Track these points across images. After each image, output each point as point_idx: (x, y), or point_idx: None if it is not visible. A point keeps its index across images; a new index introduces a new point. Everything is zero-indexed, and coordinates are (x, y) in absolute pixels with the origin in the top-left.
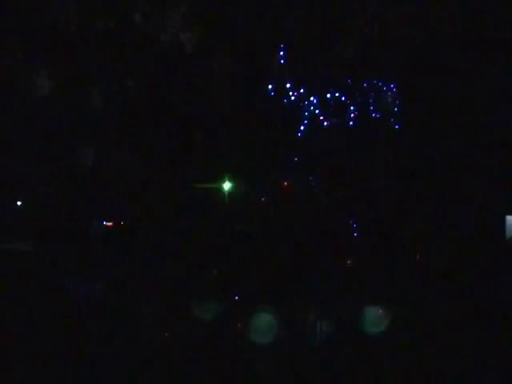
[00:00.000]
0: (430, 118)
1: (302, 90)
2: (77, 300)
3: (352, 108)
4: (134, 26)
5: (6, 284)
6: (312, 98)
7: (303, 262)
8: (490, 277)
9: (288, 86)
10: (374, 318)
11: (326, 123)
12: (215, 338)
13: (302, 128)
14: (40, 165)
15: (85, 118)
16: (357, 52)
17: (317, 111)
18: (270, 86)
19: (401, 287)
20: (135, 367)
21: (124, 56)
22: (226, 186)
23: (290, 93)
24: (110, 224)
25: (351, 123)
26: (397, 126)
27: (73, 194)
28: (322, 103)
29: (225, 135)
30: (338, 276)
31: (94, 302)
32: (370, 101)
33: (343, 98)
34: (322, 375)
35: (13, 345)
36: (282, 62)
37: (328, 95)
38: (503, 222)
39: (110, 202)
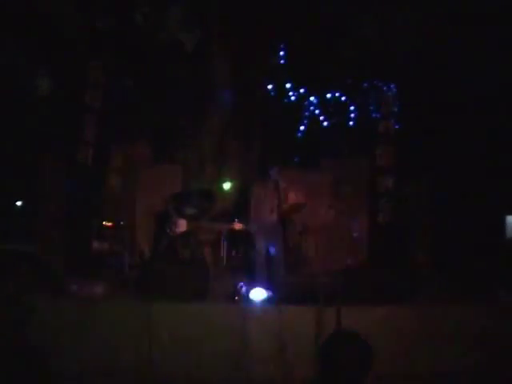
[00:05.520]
0: (430, 118)
1: (302, 90)
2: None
3: (352, 108)
4: (134, 26)
5: (6, 284)
6: (312, 98)
7: (303, 262)
8: (490, 277)
9: (288, 85)
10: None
11: (326, 123)
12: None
13: (301, 128)
14: (41, 164)
15: (84, 117)
16: (357, 52)
17: (317, 111)
18: (269, 86)
19: (400, 287)
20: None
21: (124, 56)
22: (226, 185)
23: (290, 93)
24: (109, 224)
25: (351, 123)
26: (397, 126)
27: (73, 195)
28: (322, 103)
29: (224, 135)
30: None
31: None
32: (370, 101)
33: (343, 98)
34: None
35: (12, 346)
36: (281, 61)
37: (328, 95)
38: (503, 222)
39: (110, 202)
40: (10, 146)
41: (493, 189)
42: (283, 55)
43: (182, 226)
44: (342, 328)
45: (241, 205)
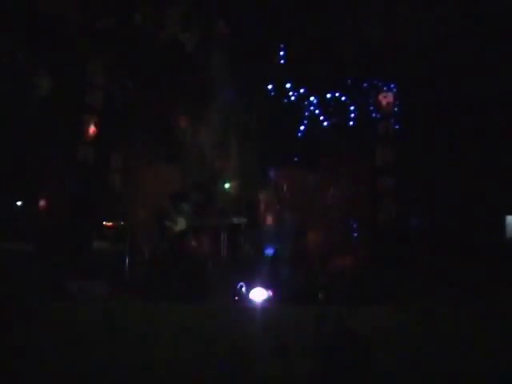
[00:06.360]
0: (430, 119)
1: (302, 90)
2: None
3: (352, 108)
4: (135, 26)
5: (6, 284)
6: (312, 98)
7: (303, 261)
8: (490, 277)
9: (288, 85)
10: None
11: (326, 123)
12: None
13: (302, 128)
14: (40, 164)
15: (84, 117)
16: (357, 52)
17: (317, 111)
18: (270, 86)
19: (400, 287)
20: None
21: (124, 56)
22: (226, 185)
23: (290, 93)
24: (109, 224)
25: (351, 123)
26: (397, 126)
27: (73, 195)
28: (322, 103)
29: (224, 134)
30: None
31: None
32: (370, 101)
33: (343, 98)
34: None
35: (12, 346)
36: (281, 61)
37: (328, 95)
38: (503, 221)
39: (110, 202)
40: (10, 145)
41: (493, 189)
42: (283, 55)
43: (182, 224)
44: (342, 328)
45: (241, 204)
